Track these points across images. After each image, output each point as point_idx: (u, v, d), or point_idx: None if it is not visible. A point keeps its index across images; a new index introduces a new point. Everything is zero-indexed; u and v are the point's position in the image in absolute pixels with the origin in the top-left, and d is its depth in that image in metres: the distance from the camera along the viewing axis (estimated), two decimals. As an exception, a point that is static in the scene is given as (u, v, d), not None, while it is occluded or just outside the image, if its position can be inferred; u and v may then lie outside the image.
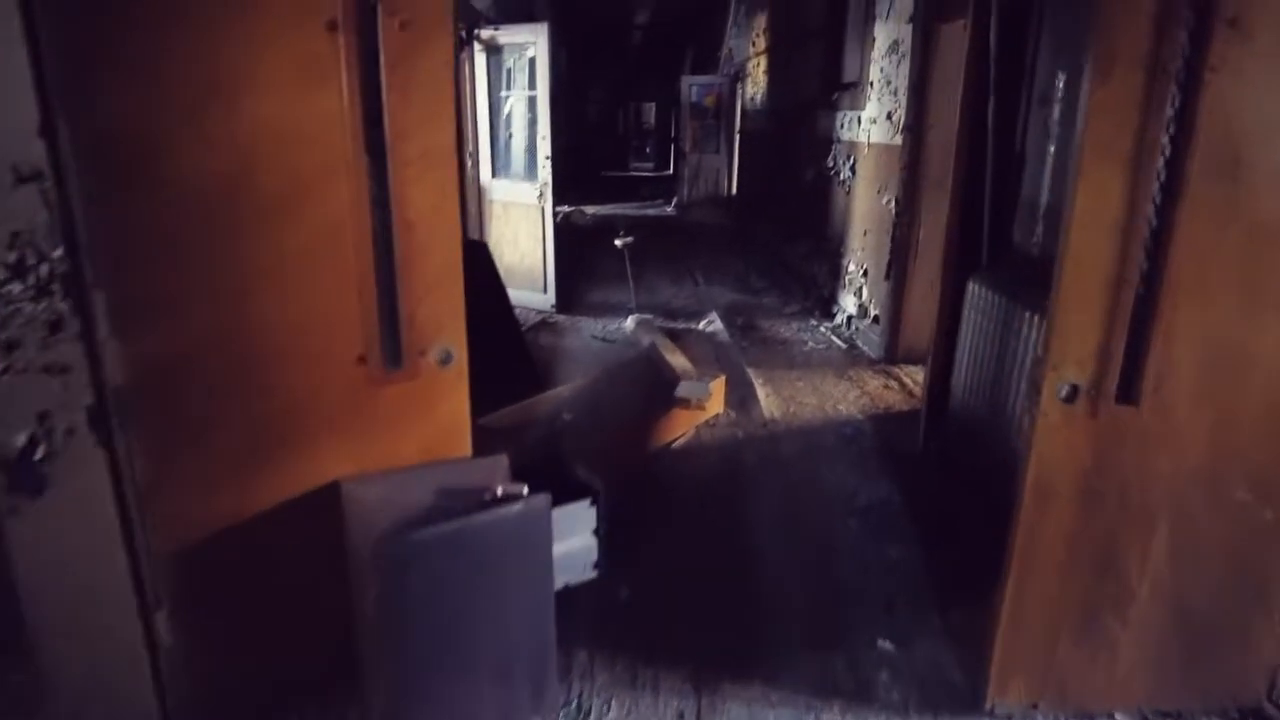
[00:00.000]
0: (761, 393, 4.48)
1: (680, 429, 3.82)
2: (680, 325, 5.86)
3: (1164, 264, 1.72)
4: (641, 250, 8.63)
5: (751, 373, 4.80)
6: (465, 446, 2.14)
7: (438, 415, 2.07)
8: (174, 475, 1.77)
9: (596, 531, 2.44)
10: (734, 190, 12.21)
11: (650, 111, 24.15)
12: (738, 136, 12.08)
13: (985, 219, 3.44)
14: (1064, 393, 1.83)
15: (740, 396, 4.33)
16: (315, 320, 1.84)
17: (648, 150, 23.73)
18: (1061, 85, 3.15)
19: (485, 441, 3.35)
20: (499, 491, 1.96)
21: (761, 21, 10.21)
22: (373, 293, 1.88)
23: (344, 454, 1.97)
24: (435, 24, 1.82)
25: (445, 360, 2.02)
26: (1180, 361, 1.79)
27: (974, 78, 3.32)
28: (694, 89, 12.76)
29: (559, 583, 2.21)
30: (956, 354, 3.49)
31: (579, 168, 17.29)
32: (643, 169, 22.38)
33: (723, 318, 6.07)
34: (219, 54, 1.61)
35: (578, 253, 8.43)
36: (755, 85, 10.69)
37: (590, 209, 13.03)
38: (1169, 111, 1.65)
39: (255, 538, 1.88)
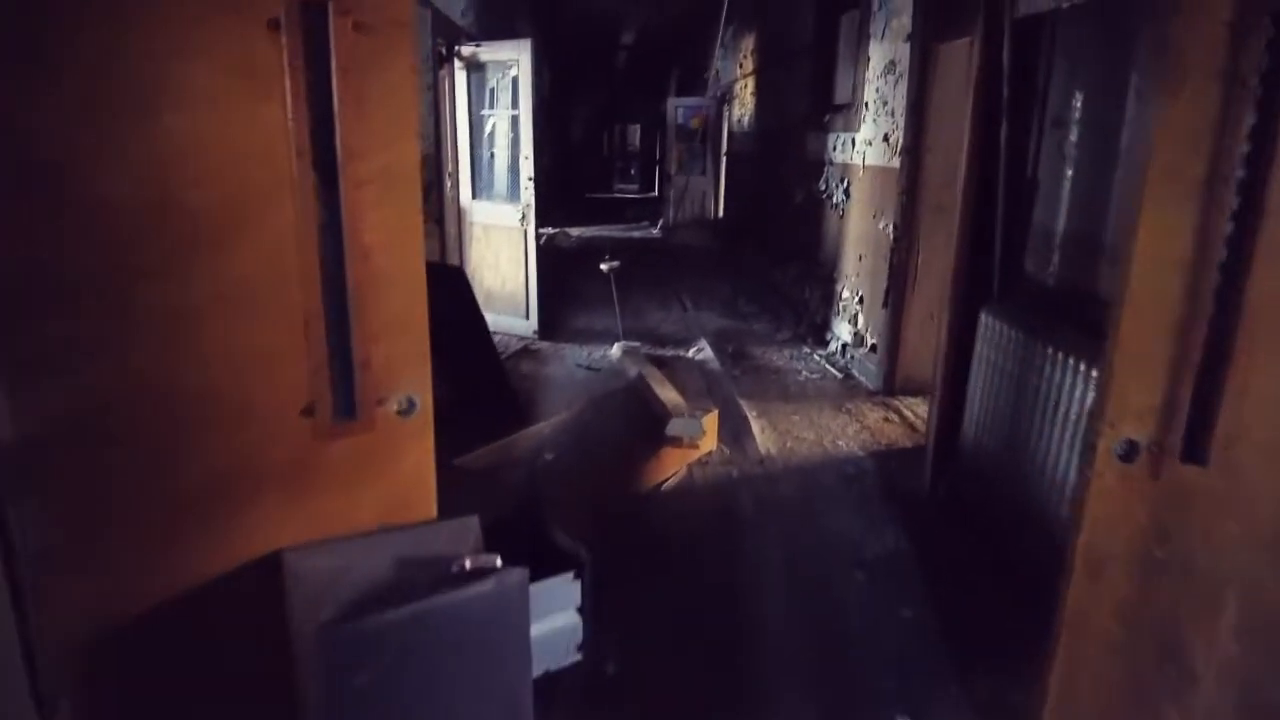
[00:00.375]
0: (756, 427, 4.24)
1: (671, 468, 3.56)
2: (668, 353, 5.62)
3: (1238, 306, 1.49)
4: (627, 274, 8.39)
5: (744, 405, 4.56)
6: (430, 507, 1.87)
7: (398, 472, 1.80)
8: (80, 549, 1.49)
9: (581, 609, 2.17)
10: (721, 213, 12.05)
11: (636, 133, 24.08)
12: (724, 158, 11.94)
13: (997, 247, 3.23)
14: (1121, 450, 1.60)
15: (734, 431, 4.08)
16: (253, 367, 1.58)
17: (633, 172, 23.64)
18: (1079, 106, 2.95)
19: (461, 484, 3.07)
20: (467, 564, 1.69)
21: (749, 43, 10.10)
22: (321, 334, 1.62)
23: (288, 519, 1.69)
24: (395, 27, 1.57)
25: (407, 410, 1.76)
26: (1256, 416, 1.56)
27: (985, 98, 3.12)
28: (680, 111, 12.63)
29: (538, 669, 1.93)
30: (968, 389, 3.26)
31: (563, 189, 17.12)
32: (628, 190, 22.27)
33: (712, 345, 5.84)
34: (136, 57, 1.36)
35: (561, 276, 8.19)
36: (743, 107, 10.56)
37: (575, 231, 12.83)
38: (1245, 131, 1.43)
39: (180, 619, 1.60)
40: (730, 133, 11.64)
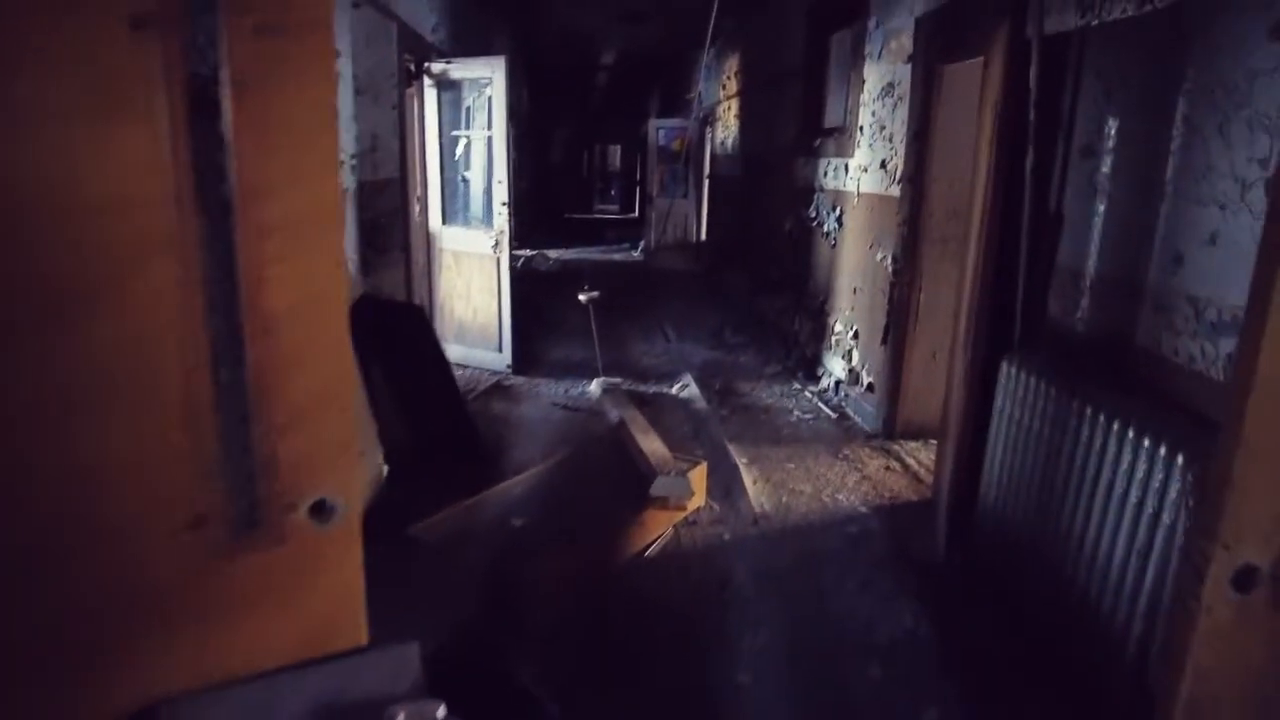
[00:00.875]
0: (748, 478, 3.89)
1: (656, 531, 3.20)
2: (651, 389, 5.27)
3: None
4: (608, 301, 8.06)
5: (734, 451, 4.21)
6: (359, 632, 1.48)
7: (318, 593, 1.42)
8: None
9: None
10: (704, 236, 11.76)
11: (617, 154, 23.88)
12: (707, 181, 11.67)
13: (1020, 289, 2.92)
14: (1236, 578, 1.26)
15: (724, 484, 3.73)
16: (119, 474, 1.20)
17: (613, 193, 23.43)
18: (1113, 133, 2.65)
19: (414, 561, 2.69)
20: (400, 717, 1.32)
21: (733, 64, 9.85)
22: (212, 428, 1.24)
23: (176, 659, 1.31)
24: (311, 29, 1.21)
25: (326, 515, 1.39)
26: None
27: (1006, 124, 2.82)
28: (661, 132, 12.37)
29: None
30: (986, 447, 2.94)
31: (543, 210, 16.81)
32: (608, 212, 22.03)
33: (697, 379, 5.50)
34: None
35: (539, 303, 7.83)
36: (726, 129, 10.30)
37: (554, 253, 12.49)
38: None
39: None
40: (714, 155, 11.38)
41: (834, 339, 5.43)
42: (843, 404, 5.08)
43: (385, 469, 3.51)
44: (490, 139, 5.50)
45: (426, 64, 5.60)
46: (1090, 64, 2.81)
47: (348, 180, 3.72)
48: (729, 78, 10.10)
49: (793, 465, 4.11)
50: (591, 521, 3.03)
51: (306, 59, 1.21)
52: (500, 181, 5.43)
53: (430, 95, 5.72)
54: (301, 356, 1.30)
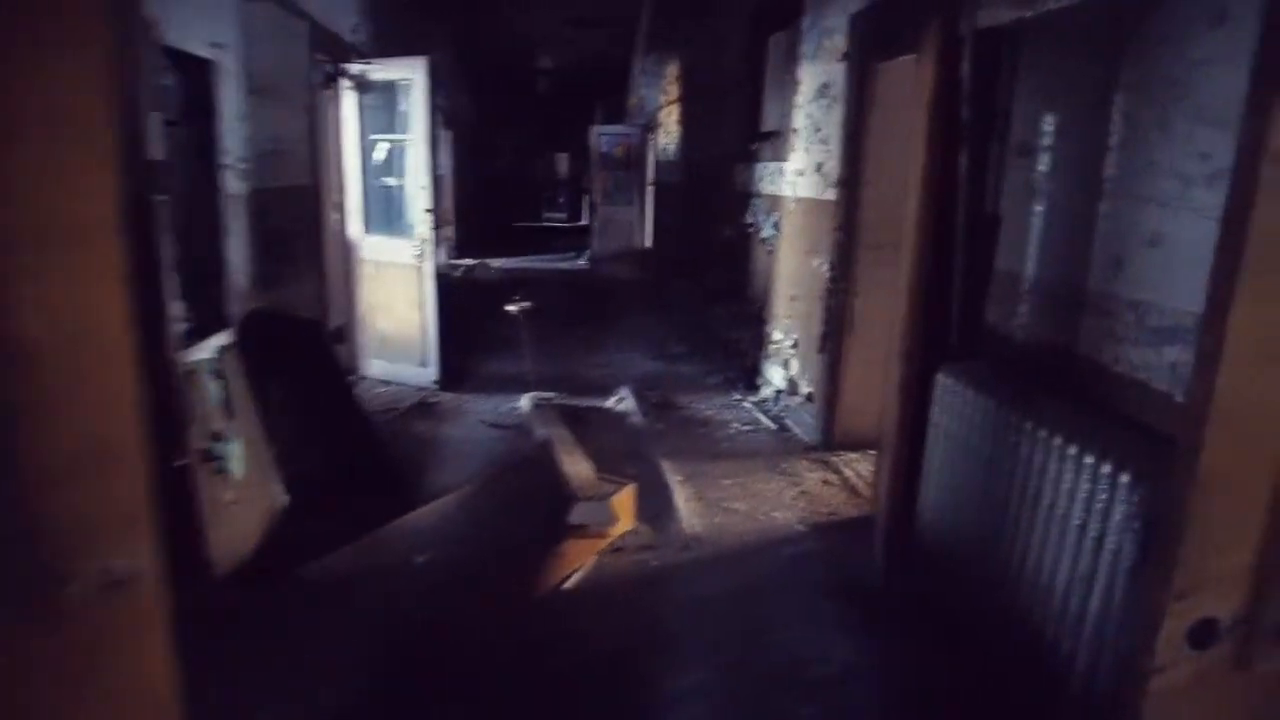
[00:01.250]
0: (681, 496, 3.68)
1: (576, 562, 2.96)
2: (586, 403, 5.03)
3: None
4: (549, 311, 7.84)
5: (669, 468, 3.99)
6: (165, 727, 1.22)
7: (109, 684, 1.16)
8: None
9: None
10: (649, 244, 11.58)
11: (564, 161, 23.62)
12: (651, 188, 11.50)
13: (955, 295, 2.76)
14: (1193, 633, 1.08)
15: (656, 505, 3.51)
16: None
17: (561, 201, 23.15)
18: (1050, 130, 2.51)
19: (302, 609, 2.41)
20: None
21: (674, 69, 9.70)
22: (-68, 485, 0.97)
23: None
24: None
25: (115, 587, 1.12)
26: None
27: (940, 123, 2.66)
28: (603, 139, 12.16)
29: None
30: (924, 464, 2.77)
31: (488, 219, 16.46)
32: (556, 220, 21.77)
33: (636, 392, 5.28)
34: None
35: (476, 314, 7.53)
36: (668, 135, 10.14)
37: (497, 263, 12.19)
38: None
39: None
40: (657, 162, 11.21)
41: (773, 348, 5.26)
42: (782, 415, 4.91)
43: (285, 500, 3.21)
44: (414, 144, 5.21)
45: (343, 65, 5.30)
46: (1027, 59, 2.67)
47: (234, 186, 3.41)
48: (670, 83, 9.95)
49: (729, 481, 3.91)
50: (505, 554, 2.78)
51: (67, 30, 0.96)
52: (423, 187, 5.15)
53: (351, 98, 5.41)
54: (71, 391, 1.04)
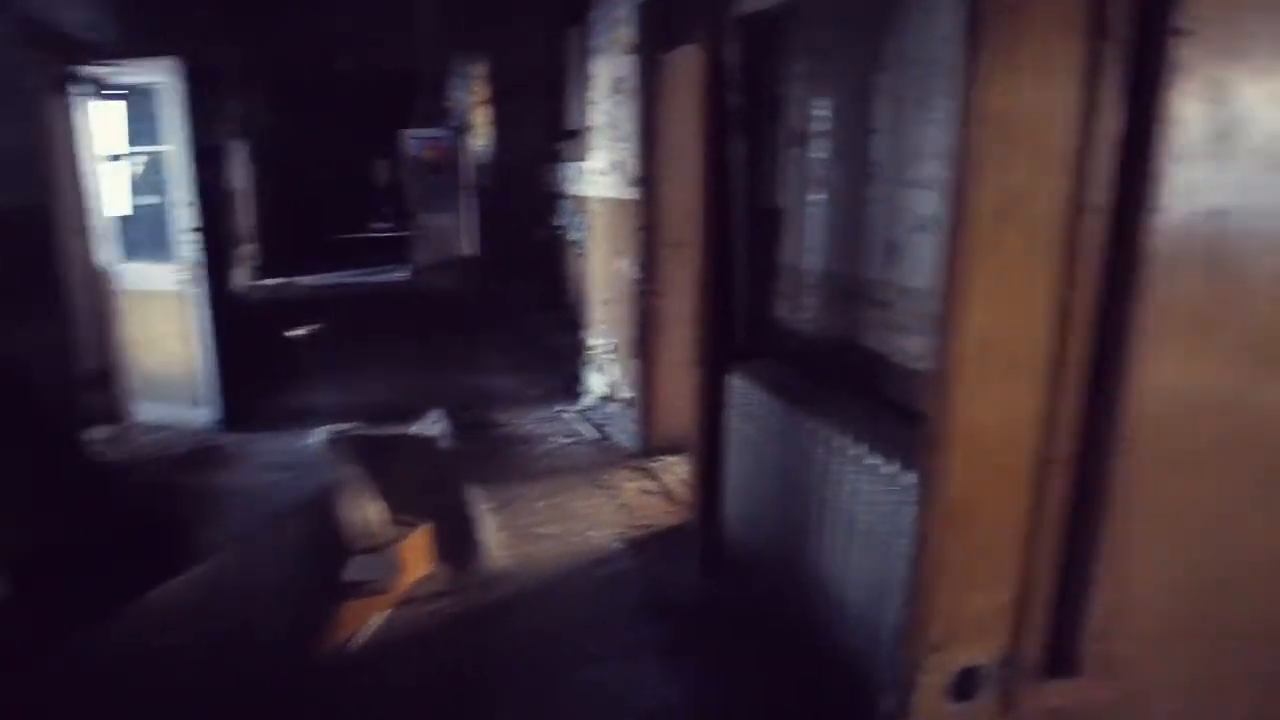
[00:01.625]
0: (491, 527, 3.39)
1: (358, 622, 2.60)
2: (391, 431, 4.61)
3: (1111, 426, 0.87)
4: (360, 330, 7.29)
5: (479, 496, 3.69)
6: None
7: None
8: None
9: None
10: (471, 252, 11.13)
11: (385, 168, 22.53)
12: (471, 193, 11.06)
13: (740, 292, 2.64)
14: (956, 685, 0.92)
15: (458, 543, 3.20)
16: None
17: (384, 211, 22.11)
18: (824, 117, 2.43)
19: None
20: None
21: (481, 69, 9.34)
22: None
23: None
24: None
25: None
26: (1142, 592, 0.95)
27: (712, 113, 2.53)
28: (416, 144, 11.57)
29: None
30: (727, 473, 2.63)
31: (300, 233, 15.34)
32: (380, 230, 20.74)
33: (452, 412, 4.91)
34: None
35: (274, 341, 6.86)
36: (482, 138, 9.77)
37: (309, 280, 11.33)
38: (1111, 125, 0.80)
39: None
40: (474, 166, 10.79)
41: (592, 354, 5.07)
42: (604, 423, 4.72)
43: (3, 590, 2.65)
44: (173, 156, 4.59)
45: (77, 68, 4.59)
46: (798, 43, 2.58)
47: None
48: (479, 84, 9.58)
49: (544, 503, 3.66)
50: (271, 619, 2.39)
51: None
52: (189, 204, 4.55)
53: (99, 106, 4.69)
54: None
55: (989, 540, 0.89)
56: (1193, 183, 0.94)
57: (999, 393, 0.82)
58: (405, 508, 3.20)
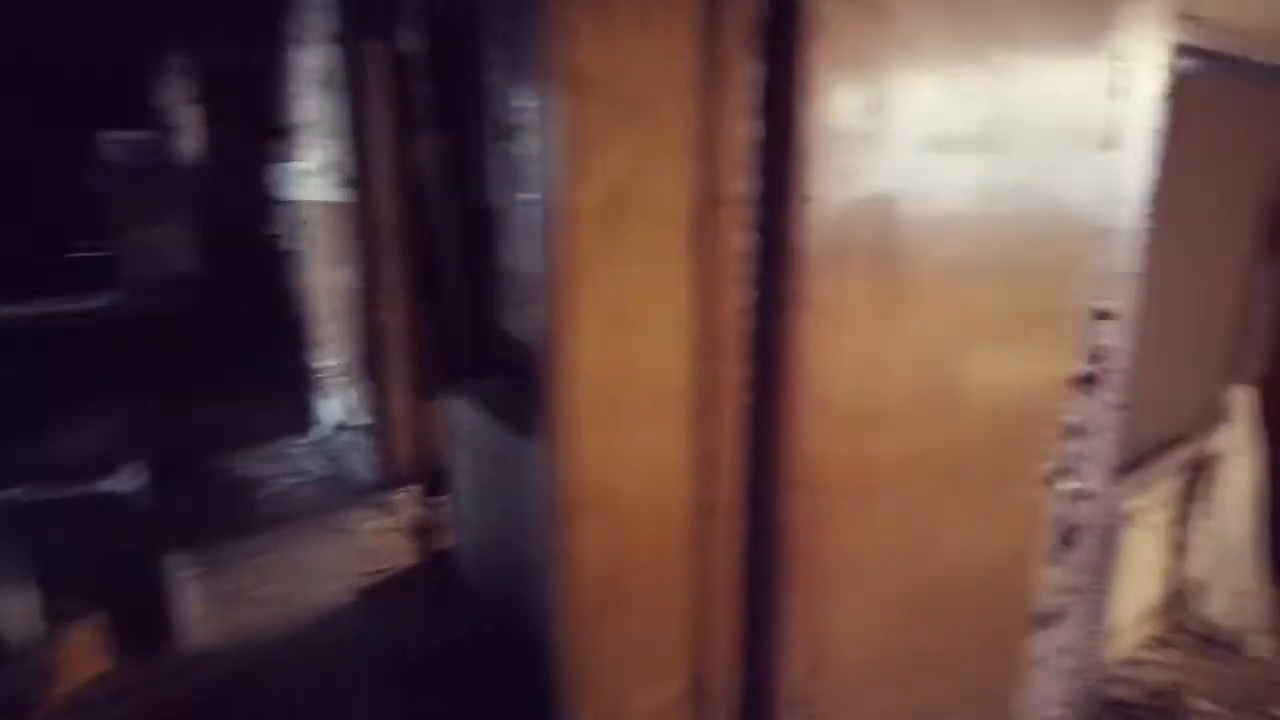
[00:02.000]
0: (194, 598, 2.86)
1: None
2: (73, 492, 3.84)
3: (781, 459, 0.71)
4: (56, 369, 6.14)
5: (183, 560, 3.12)
6: None
7: None
8: None
9: None
10: (188, 268, 9.88)
11: (104, 177, 19.62)
12: (184, 202, 9.81)
13: (452, 302, 2.38)
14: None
15: (147, 626, 2.65)
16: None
17: (95, 225, 19.25)
18: (536, 109, 2.21)
19: None
20: None
21: (186, 61, 8.27)
22: None
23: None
24: None
25: None
26: (842, 635, 0.81)
27: (397, 107, 2.24)
28: (121, 148, 10.07)
29: None
30: (456, 506, 2.37)
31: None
32: (80, 249, 18.01)
33: (158, 459, 4.19)
34: None
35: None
36: (197, 139, 8.67)
37: (-17, 313, 9.45)
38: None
39: None
40: (193, 169, 9.58)
41: (321, 378, 4.56)
42: (338, 455, 4.25)
43: None
44: None
45: None
46: (497, 28, 2.36)
47: None
48: (188, 79, 8.48)
49: (267, 558, 3.18)
50: None
51: None
52: None
53: None
54: None
55: (648, 624, 0.71)
56: (849, 167, 0.83)
57: (636, 441, 0.63)
58: (72, 593, 2.60)
